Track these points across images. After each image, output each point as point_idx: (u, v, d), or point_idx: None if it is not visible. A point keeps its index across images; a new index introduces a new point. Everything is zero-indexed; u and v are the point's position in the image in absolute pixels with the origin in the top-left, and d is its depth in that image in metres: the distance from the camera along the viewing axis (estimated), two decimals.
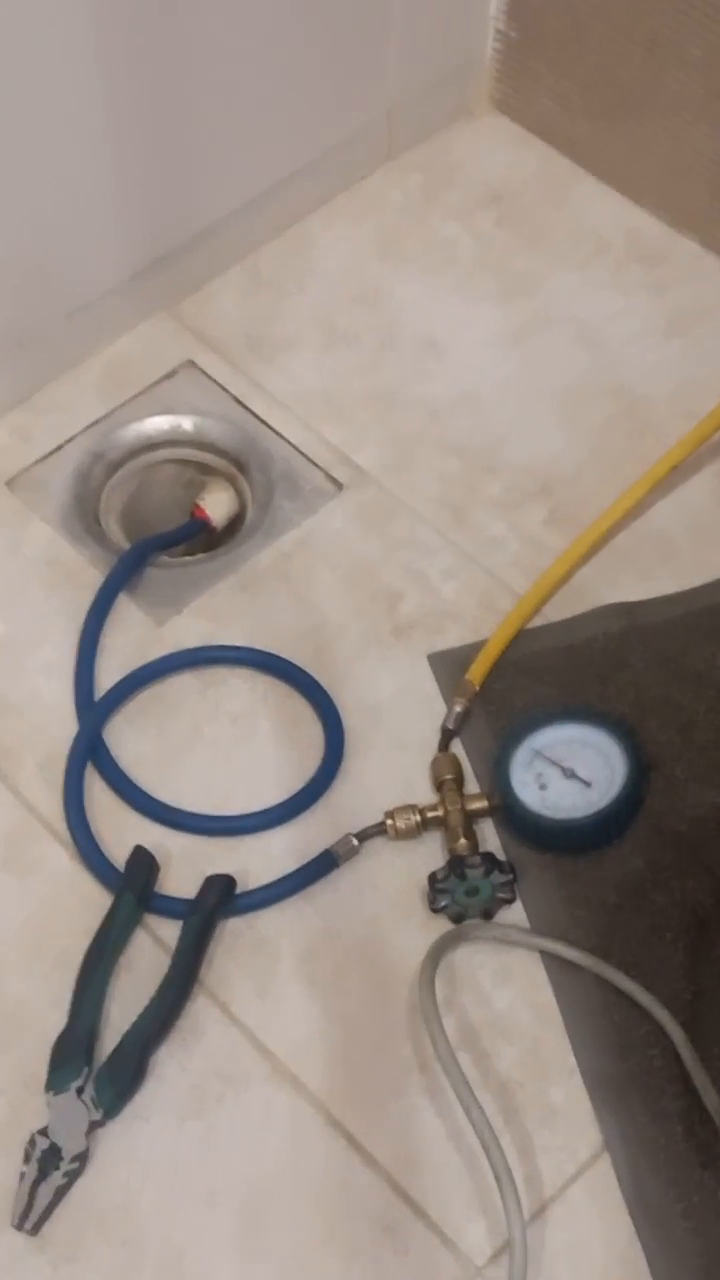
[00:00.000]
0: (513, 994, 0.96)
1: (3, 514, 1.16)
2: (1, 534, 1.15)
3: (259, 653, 1.09)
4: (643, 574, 1.12)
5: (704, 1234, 0.88)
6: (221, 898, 0.98)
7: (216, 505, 1.18)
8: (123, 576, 1.12)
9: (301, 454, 1.19)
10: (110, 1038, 0.95)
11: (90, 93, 1.09)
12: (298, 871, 1.00)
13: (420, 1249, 0.89)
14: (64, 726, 1.06)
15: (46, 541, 1.15)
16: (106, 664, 1.09)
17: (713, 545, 1.13)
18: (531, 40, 1.31)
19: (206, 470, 1.21)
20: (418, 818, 1.01)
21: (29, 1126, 0.92)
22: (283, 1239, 0.89)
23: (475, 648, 1.08)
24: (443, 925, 0.98)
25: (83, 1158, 0.91)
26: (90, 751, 1.05)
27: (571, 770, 1.02)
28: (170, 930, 0.98)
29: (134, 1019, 0.95)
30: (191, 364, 1.23)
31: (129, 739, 1.07)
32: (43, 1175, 0.91)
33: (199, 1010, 0.96)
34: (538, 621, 1.10)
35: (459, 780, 1.03)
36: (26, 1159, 0.91)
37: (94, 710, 1.07)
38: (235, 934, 0.99)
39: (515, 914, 0.99)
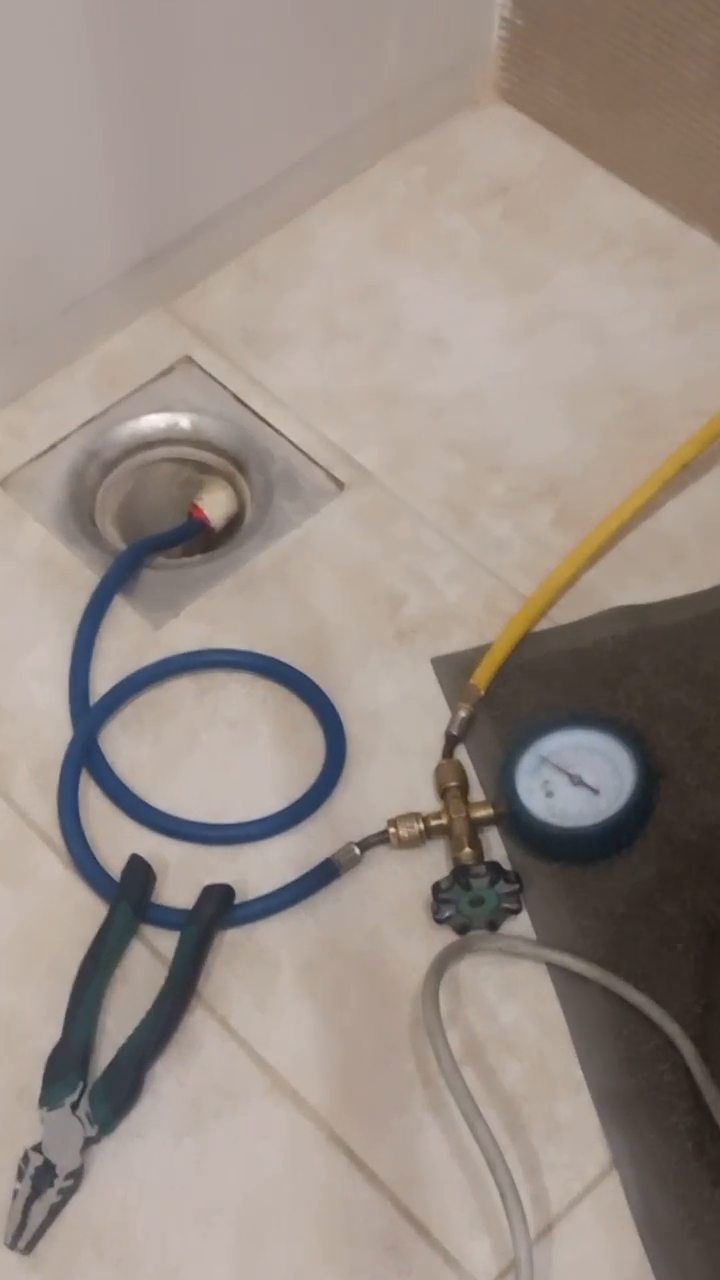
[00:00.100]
0: (518, 1007, 0.96)
1: None
2: None
3: (258, 656, 1.09)
4: (652, 576, 1.12)
5: (715, 1255, 0.88)
6: (220, 908, 0.98)
7: (214, 505, 1.18)
8: (118, 578, 1.12)
9: (301, 453, 1.19)
10: (105, 1052, 0.95)
11: (84, 84, 1.09)
12: (298, 881, 1.00)
13: (423, 1269, 0.89)
14: (58, 732, 1.07)
15: (40, 542, 1.15)
16: (102, 668, 1.09)
17: None
18: (538, 28, 1.32)
19: (204, 469, 1.21)
20: (421, 826, 1.01)
21: (22, 1143, 0.92)
22: (282, 1259, 0.89)
23: (480, 651, 1.08)
24: (447, 936, 0.98)
25: (77, 1175, 0.91)
26: (85, 758, 1.05)
27: (579, 777, 1.02)
28: (167, 941, 0.98)
29: (130, 1032, 0.95)
30: (188, 360, 1.23)
31: (125, 745, 1.07)
32: (36, 1193, 0.91)
33: (196, 1023, 0.96)
34: (544, 625, 1.10)
35: (463, 787, 1.03)
36: (20, 1176, 0.91)
37: (89, 715, 1.07)
38: (234, 945, 0.99)
39: (521, 925, 0.99)
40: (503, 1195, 0.88)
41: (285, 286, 1.27)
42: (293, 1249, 0.90)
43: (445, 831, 1.01)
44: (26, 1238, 0.90)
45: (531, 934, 0.99)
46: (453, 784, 1.03)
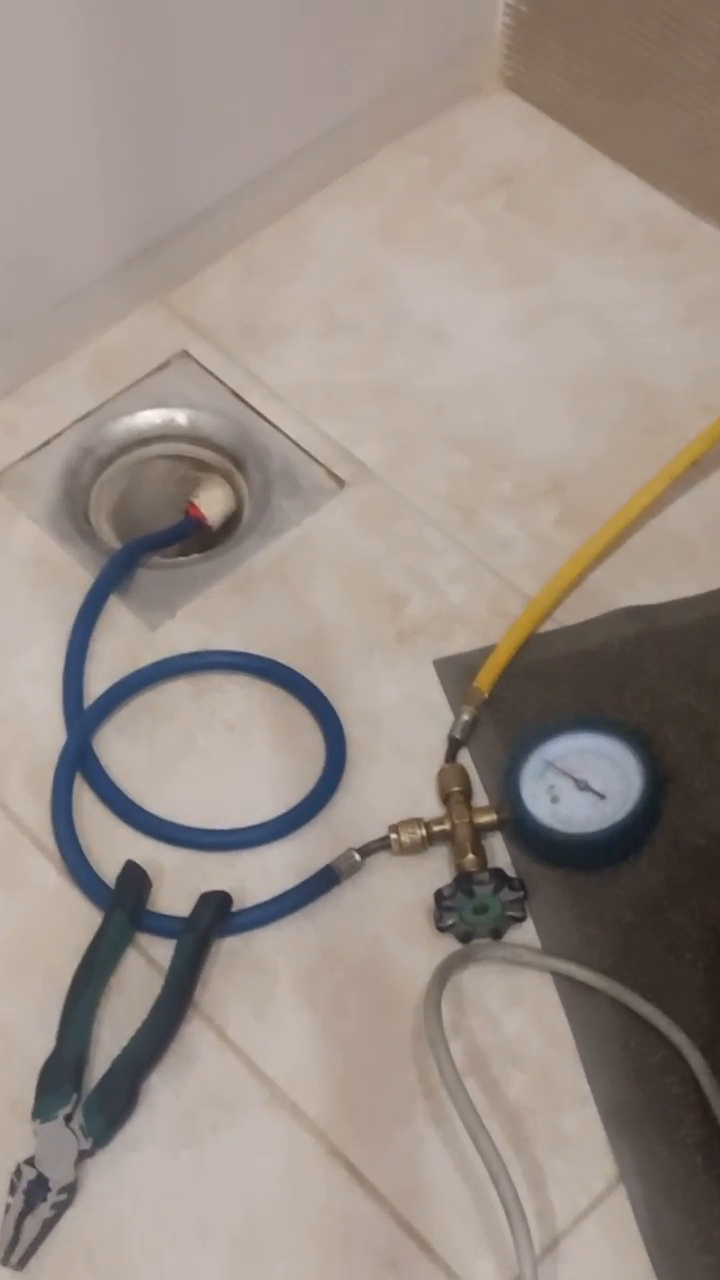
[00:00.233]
0: (523, 1017, 0.96)
1: None
2: None
3: (256, 658, 1.09)
4: (660, 576, 1.12)
5: None
6: (217, 915, 0.99)
7: (211, 503, 1.19)
8: (113, 578, 1.13)
9: (300, 449, 1.19)
10: (100, 1063, 0.95)
11: (77, 73, 1.09)
12: (297, 888, 1.00)
13: None
14: (51, 735, 1.07)
15: (33, 541, 1.15)
16: (96, 670, 1.09)
17: None
18: (543, 14, 1.32)
19: (201, 466, 1.22)
20: (423, 832, 1.01)
21: (15, 1156, 0.92)
22: (280, 1275, 0.90)
23: (484, 653, 1.08)
24: (449, 945, 0.99)
25: (71, 1189, 0.91)
26: (79, 761, 1.06)
27: (585, 782, 1.02)
28: (163, 950, 0.98)
29: (125, 1043, 0.95)
30: (185, 355, 1.24)
31: (120, 749, 1.07)
32: (29, 1207, 0.91)
33: (193, 1034, 0.96)
34: (549, 626, 1.10)
35: (466, 792, 1.03)
36: (12, 1190, 0.91)
37: (83, 718, 1.07)
38: (231, 954, 0.99)
39: (526, 933, 0.99)
40: (507, 1210, 0.88)
41: (283, 279, 1.27)
42: (291, 1265, 0.90)
43: (448, 837, 1.01)
44: (19, 1253, 0.90)
45: (536, 942, 0.99)
46: (456, 789, 1.03)
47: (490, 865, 1.00)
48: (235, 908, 1.00)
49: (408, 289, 1.27)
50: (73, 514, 1.17)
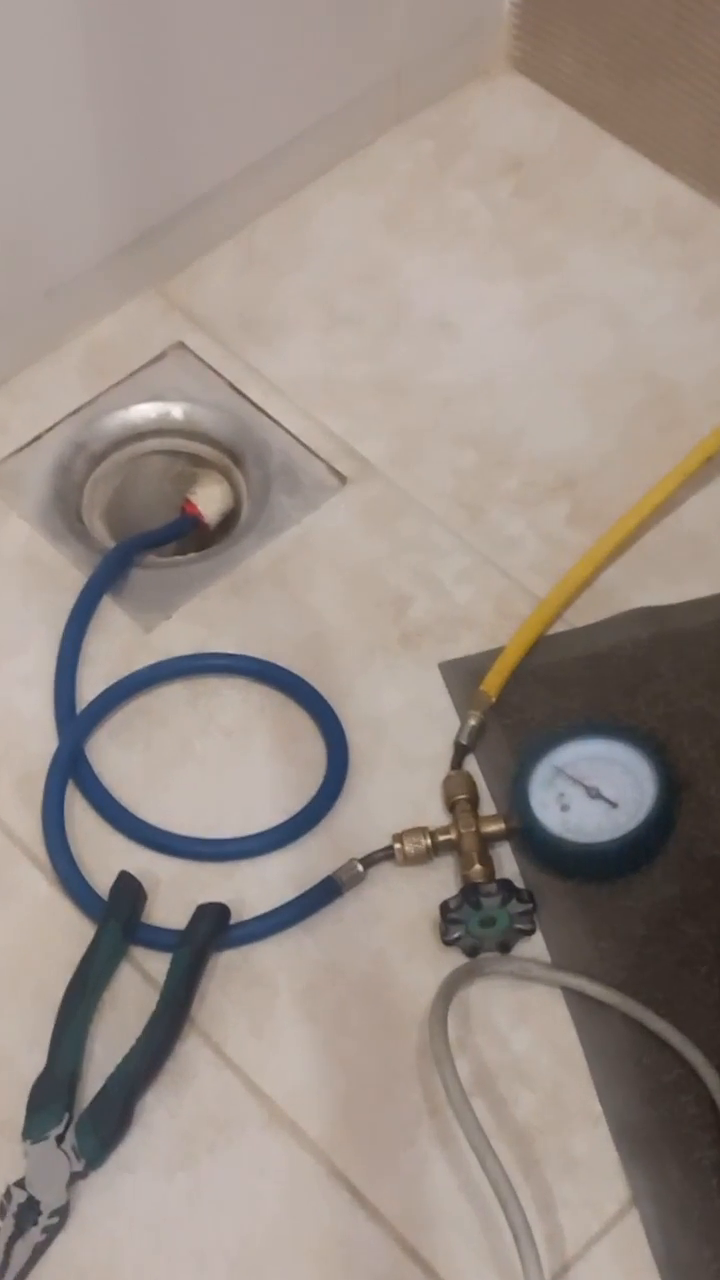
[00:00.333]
0: (532, 1034, 0.96)
1: None
2: None
3: (255, 661, 1.09)
4: (673, 576, 1.12)
5: None
6: (214, 928, 0.99)
7: (209, 500, 1.19)
8: (107, 578, 1.13)
9: (301, 445, 1.19)
10: (93, 1081, 0.95)
11: (71, 52, 1.09)
12: (297, 900, 1.00)
13: None
14: (43, 741, 1.07)
15: (24, 540, 1.15)
16: (89, 673, 1.09)
17: None
18: None
19: (198, 462, 1.22)
20: (428, 841, 1.01)
21: (4, 1178, 0.92)
22: None
23: (491, 656, 1.08)
24: (456, 959, 0.99)
25: (63, 1212, 0.91)
26: (71, 768, 1.05)
27: (596, 790, 1.02)
28: (158, 963, 0.98)
29: (119, 1060, 0.95)
30: (181, 346, 1.24)
31: (113, 755, 1.07)
32: (19, 1231, 0.91)
33: (189, 1051, 0.96)
34: (559, 628, 1.10)
35: (473, 801, 1.03)
36: (2, 1214, 0.91)
37: (75, 724, 1.07)
38: (229, 968, 0.99)
39: (535, 947, 0.99)
40: (515, 1235, 0.88)
41: (284, 268, 1.27)
42: None
43: (454, 847, 1.01)
44: (9, 1279, 0.90)
45: (546, 956, 0.99)
46: (462, 797, 1.03)
47: (498, 876, 1.00)
48: (233, 920, 1.00)
49: (413, 279, 1.27)
50: (65, 512, 1.17)
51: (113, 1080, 0.94)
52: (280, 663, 1.09)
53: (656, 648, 1.08)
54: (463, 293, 1.26)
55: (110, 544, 1.16)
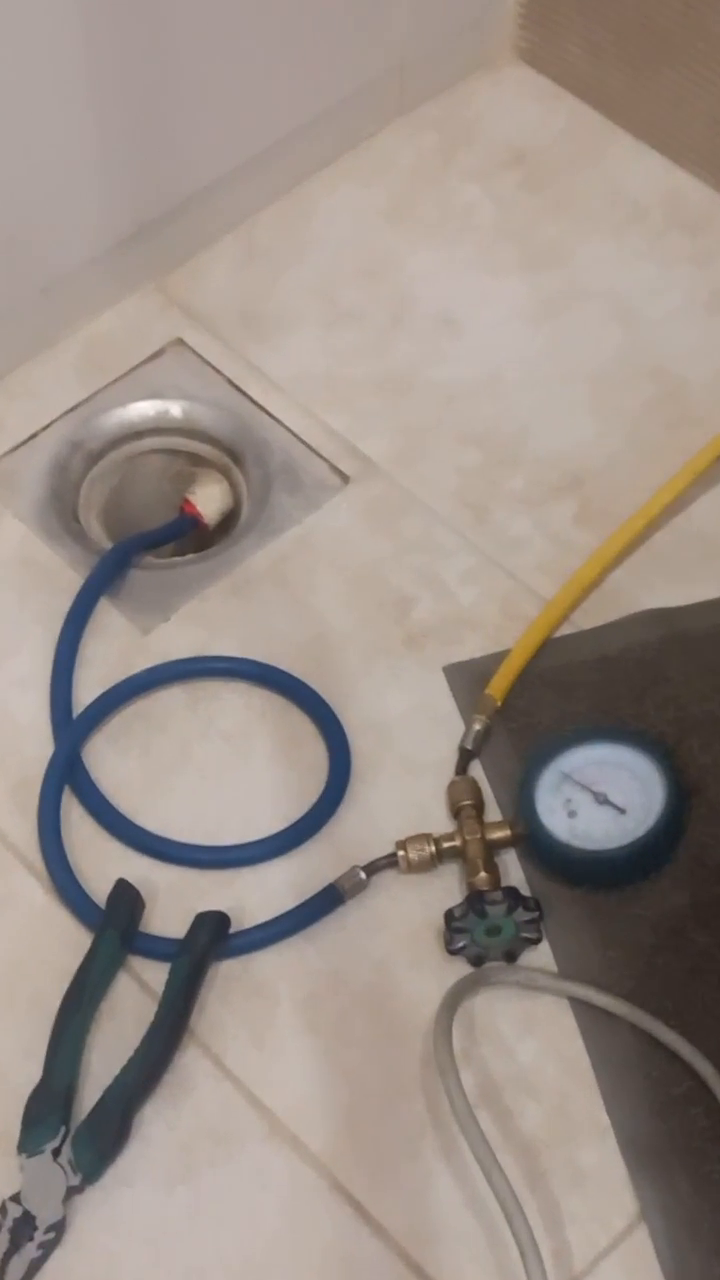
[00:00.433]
0: (538, 1045, 0.96)
1: None
2: None
3: (255, 664, 1.09)
4: (683, 576, 1.12)
5: None
6: (214, 937, 0.99)
7: (208, 500, 1.19)
8: (104, 579, 1.13)
9: (302, 443, 1.19)
10: (90, 1093, 0.95)
11: (68, 42, 1.09)
12: (298, 908, 1.00)
13: None
14: (39, 746, 1.07)
15: (19, 540, 1.15)
16: (86, 676, 1.10)
17: None
18: None
19: (197, 461, 1.22)
20: (432, 848, 1.01)
21: None
22: None
23: (496, 659, 1.08)
24: (461, 968, 0.99)
25: (59, 1227, 0.91)
26: (68, 774, 1.06)
27: (604, 795, 1.02)
28: (157, 973, 0.98)
29: (116, 1072, 0.95)
30: (180, 343, 1.24)
31: (111, 760, 1.07)
32: (15, 1247, 0.91)
33: (189, 1062, 0.96)
34: (566, 630, 1.10)
35: (478, 807, 1.03)
36: None
37: (72, 728, 1.07)
38: (229, 977, 0.99)
39: (541, 956, 0.99)
40: (521, 1250, 0.88)
41: (285, 263, 1.27)
42: None
43: (459, 854, 1.01)
44: None
45: (552, 966, 0.99)
46: (467, 803, 1.03)
47: (503, 884, 1.00)
48: (233, 929, 1.00)
49: (416, 274, 1.27)
50: (61, 512, 1.17)
51: (110, 1092, 0.94)
52: (281, 666, 1.09)
53: (666, 650, 1.09)
54: (467, 288, 1.26)
55: (107, 544, 1.16)
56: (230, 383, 1.22)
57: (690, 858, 1.01)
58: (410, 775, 1.05)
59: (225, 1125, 0.94)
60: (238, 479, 1.19)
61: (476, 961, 0.99)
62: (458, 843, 1.01)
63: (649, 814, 1.01)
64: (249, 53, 1.20)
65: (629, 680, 1.08)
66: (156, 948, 0.99)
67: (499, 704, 1.07)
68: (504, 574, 1.13)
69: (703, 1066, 0.93)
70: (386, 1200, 0.92)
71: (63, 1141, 0.93)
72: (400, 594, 1.12)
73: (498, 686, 1.07)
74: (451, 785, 1.04)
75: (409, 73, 1.32)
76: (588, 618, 1.11)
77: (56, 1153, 0.93)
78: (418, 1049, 0.96)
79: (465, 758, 1.05)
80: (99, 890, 1.01)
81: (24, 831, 1.04)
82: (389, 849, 1.02)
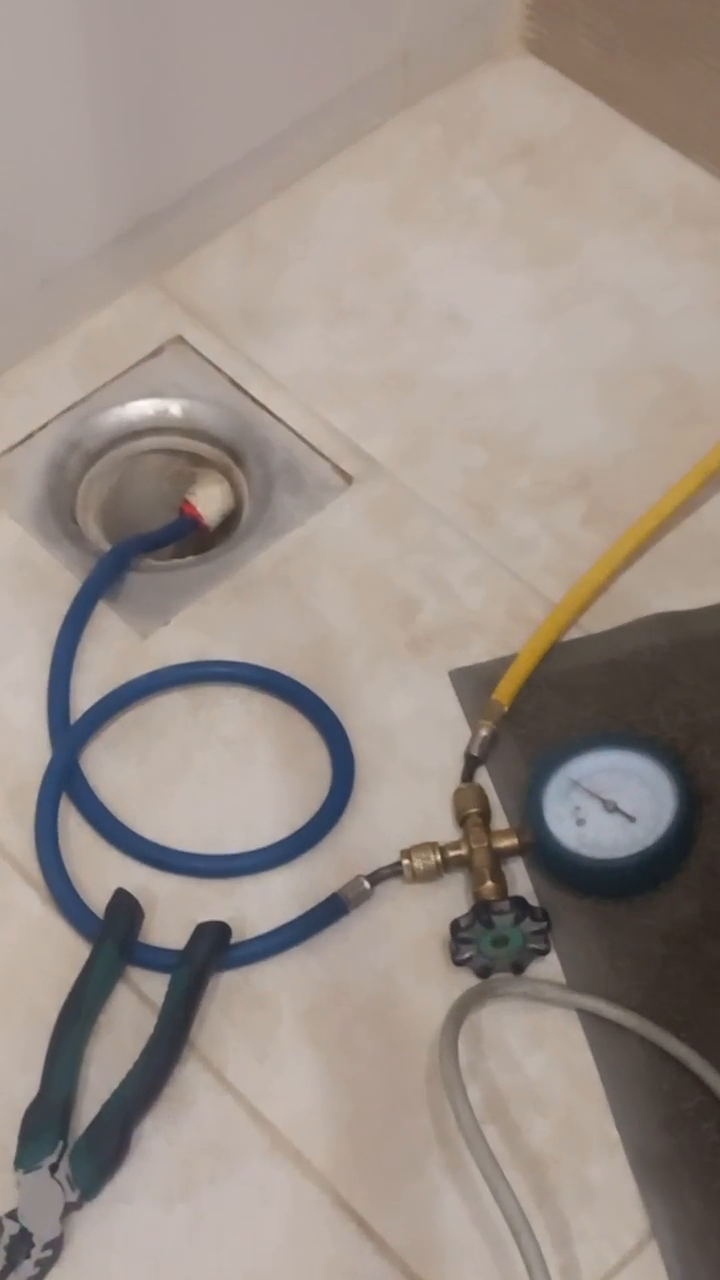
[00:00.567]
0: (546, 1058, 0.96)
1: None
2: None
3: (257, 669, 1.09)
4: (694, 579, 1.12)
5: None
6: (214, 948, 0.99)
7: (208, 501, 1.19)
8: (102, 582, 1.13)
9: (305, 443, 1.19)
10: (88, 1107, 0.95)
11: (67, 34, 1.10)
12: (301, 918, 1.00)
13: None
14: (35, 752, 1.07)
15: (16, 542, 1.15)
16: (84, 682, 1.10)
17: None
18: None
19: (197, 461, 1.22)
20: (438, 857, 1.01)
21: None
22: None
23: (503, 663, 1.08)
24: (466, 980, 0.99)
25: (57, 1244, 0.91)
26: (65, 781, 1.06)
27: (613, 803, 1.02)
28: (156, 985, 0.98)
29: (115, 1086, 0.95)
30: (180, 340, 1.24)
31: (109, 767, 1.07)
32: (11, 1265, 0.91)
33: (189, 1076, 0.96)
34: (574, 633, 1.10)
35: (485, 814, 1.03)
36: None
37: (70, 734, 1.07)
38: (230, 989, 0.99)
39: (549, 967, 0.99)
40: (529, 1268, 0.88)
41: (287, 258, 1.28)
42: None
43: (465, 863, 1.01)
44: None
45: (561, 977, 0.99)
46: (473, 810, 1.03)
47: (511, 893, 1.00)
48: (234, 939, 1.00)
49: (421, 270, 1.27)
50: (58, 513, 1.17)
51: (109, 1107, 0.94)
52: (283, 670, 1.09)
53: (676, 654, 1.08)
54: (472, 284, 1.26)
55: (106, 546, 1.16)
56: (231, 381, 1.22)
57: (701, 867, 1.01)
58: (415, 782, 1.05)
59: (226, 1140, 0.94)
60: (238, 479, 1.19)
61: (483, 973, 0.99)
62: (464, 851, 1.01)
63: (659, 822, 1.01)
64: (249, 44, 1.20)
65: (639, 685, 1.08)
66: (156, 959, 0.99)
67: (506, 709, 1.07)
68: (510, 576, 1.13)
69: (714, 1080, 0.93)
70: (390, 1217, 0.92)
71: (60, 1157, 0.93)
72: (405, 596, 1.12)
73: (504, 691, 1.07)
74: (457, 792, 1.04)
75: (413, 64, 1.32)
76: (596, 621, 1.11)
77: (54, 1168, 0.93)
78: (423, 1062, 0.96)
79: (471, 764, 1.05)
80: (97, 900, 1.01)
81: (21, 840, 1.04)
82: (393, 858, 1.02)
